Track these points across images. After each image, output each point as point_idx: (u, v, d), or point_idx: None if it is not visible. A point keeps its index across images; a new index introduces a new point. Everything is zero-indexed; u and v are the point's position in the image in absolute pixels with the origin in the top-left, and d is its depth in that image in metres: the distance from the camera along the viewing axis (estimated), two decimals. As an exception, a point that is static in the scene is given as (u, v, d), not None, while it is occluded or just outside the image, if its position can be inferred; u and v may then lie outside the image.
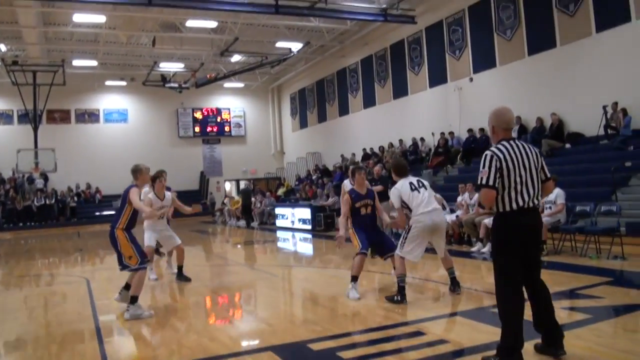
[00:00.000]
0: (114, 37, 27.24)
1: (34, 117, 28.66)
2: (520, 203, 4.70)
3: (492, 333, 5.78)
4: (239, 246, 18.72)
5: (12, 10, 21.91)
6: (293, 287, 10.05)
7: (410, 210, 7.78)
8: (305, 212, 21.36)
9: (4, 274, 13.75)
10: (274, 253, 16.60)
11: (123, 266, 7.81)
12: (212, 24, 25.32)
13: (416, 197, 7.74)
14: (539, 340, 5.03)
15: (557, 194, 11.16)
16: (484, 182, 4.69)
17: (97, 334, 6.86)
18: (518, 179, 4.69)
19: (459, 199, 13.84)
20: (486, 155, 4.76)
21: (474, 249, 12.32)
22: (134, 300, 7.69)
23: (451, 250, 12.58)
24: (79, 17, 23.26)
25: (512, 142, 4.85)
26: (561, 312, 6.59)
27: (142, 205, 8.03)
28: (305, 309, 8.01)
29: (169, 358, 5.76)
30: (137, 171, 8.08)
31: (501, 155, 4.70)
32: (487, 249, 11.86)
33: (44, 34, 25.92)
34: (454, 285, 8.03)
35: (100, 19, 23.91)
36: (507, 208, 4.72)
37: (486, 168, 4.69)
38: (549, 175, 5.02)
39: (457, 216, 13.50)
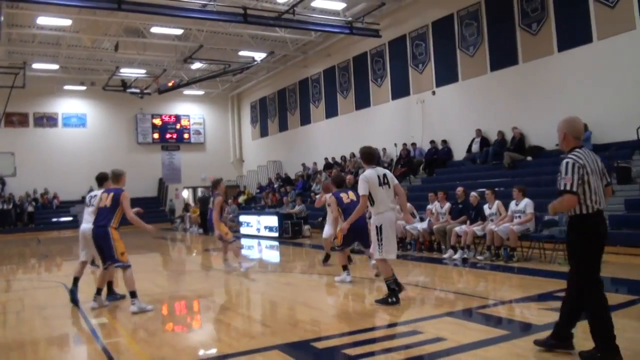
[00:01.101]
0: (76, 40, 26.98)
1: (-7, 120, 28.23)
2: (600, 206, 5.00)
3: (482, 331, 6.19)
4: (213, 253, 18.74)
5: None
6: (275, 291, 10.23)
7: (372, 204, 7.89)
8: (272, 220, 21.52)
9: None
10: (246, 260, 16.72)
11: (114, 261, 8.15)
12: (177, 31, 25.40)
13: (382, 192, 7.87)
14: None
15: (526, 204, 11.64)
16: (567, 188, 4.90)
17: (95, 336, 6.98)
18: (595, 184, 4.97)
19: (429, 207, 14.22)
20: (567, 162, 4.96)
21: (445, 255, 12.70)
22: (133, 294, 8.08)
23: (422, 257, 13.12)
24: (44, 20, 23.03)
25: (584, 149, 5.11)
26: (536, 314, 7.03)
27: (138, 219, 8.50)
28: (296, 310, 8.19)
29: (176, 356, 5.92)
30: (120, 175, 8.56)
31: (582, 162, 4.95)
32: (458, 255, 12.30)
33: (6, 35, 25.54)
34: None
35: (66, 22, 23.71)
36: (590, 211, 4.97)
37: (569, 174, 4.91)
38: (609, 180, 5.27)
39: (429, 222, 13.86)
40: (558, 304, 5.37)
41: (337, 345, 5.96)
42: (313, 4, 22.10)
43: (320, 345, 6.00)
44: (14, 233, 30.35)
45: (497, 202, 12.35)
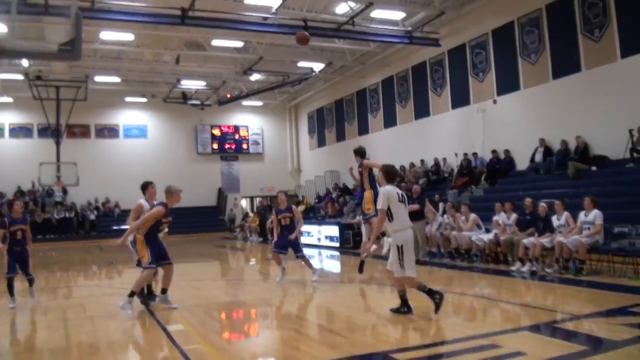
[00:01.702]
0: (138, 54, 27.69)
1: (57, 132, 28.98)
2: None
3: (561, 346, 6.13)
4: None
5: (39, 26, 22.12)
6: (342, 300, 10.25)
7: (390, 220, 7.94)
8: (333, 230, 21.58)
9: (49, 285, 14.01)
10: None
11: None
12: (237, 43, 25.79)
13: (402, 209, 7.97)
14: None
15: (595, 215, 11.40)
16: None
17: (172, 342, 7.14)
18: None
19: (496, 217, 14.03)
20: None
21: (513, 268, 12.54)
22: (132, 294, 8.91)
23: (488, 269, 12.98)
24: (107, 35, 23.64)
25: None
26: (611, 330, 6.89)
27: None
28: (367, 320, 8.21)
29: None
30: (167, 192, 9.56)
31: None
32: (526, 268, 12.13)
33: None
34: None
35: (129, 37, 24.39)
36: None
37: None
38: None
39: (495, 234, 13.71)
40: (632, 320, 5.27)
41: (418, 358, 5.97)
42: (372, 14, 22.10)
43: (400, 357, 5.98)
44: (75, 240, 31.07)
45: (565, 213, 12.12)
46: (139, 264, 9.47)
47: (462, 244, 14.41)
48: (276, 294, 11.24)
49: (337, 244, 21.19)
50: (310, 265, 12.42)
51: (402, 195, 8.00)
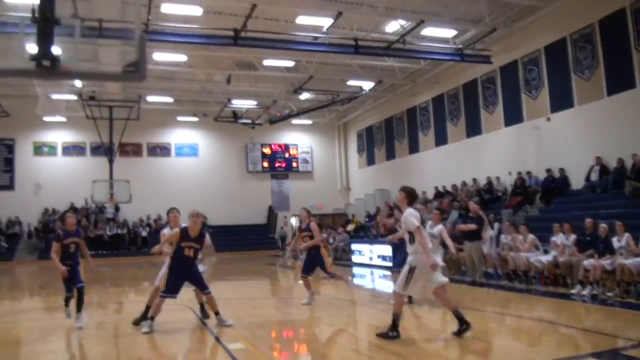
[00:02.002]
0: (190, 74, 28.14)
1: (109, 150, 29.57)
2: None
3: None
4: (327, 281, 18.83)
5: (93, 48, 22.60)
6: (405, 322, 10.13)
7: (412, 242, 7.93)
8: (386, 249, 21.31)
9: (103, 301, 14.21)
10: (364, 289, 16.74)
11: None
12: (288, 63, 26.00)
13: (424, 233, 7.98)
14: None
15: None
16: None
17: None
18: None
19: (554, 238, 13.68)
20: None
21: (573, 291, 12.18)
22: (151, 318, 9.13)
23: (547, 292, 12.67)
24: (160, 56, 24.07)
25: None
26: None
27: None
28: (425, 341, 8.09)
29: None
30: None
31: None
32: (587, 291, 11.78)
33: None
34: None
35: (181, 57, 24.84)
36: None
37: None
38: None
39: (554, 256, 13.39)
40: None
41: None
42: (423, 32, 22.04)
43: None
44: (127, 256, 31.53)
45: (626, 234, 11.79)
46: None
47: (519, 265, 14.09)
48: (330, 313, 11.15)
49: (389, 264, 20.84)
50: (340, 277, 12.42)
51: (423, 219, 8.09)
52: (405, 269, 8.01)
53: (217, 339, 8.36)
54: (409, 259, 8.04)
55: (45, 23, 6.57)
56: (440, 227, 11.66)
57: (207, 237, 9.81)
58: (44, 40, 6.56)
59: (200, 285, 9.43)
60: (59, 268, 9.56)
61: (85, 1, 18.50)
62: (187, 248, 9.24)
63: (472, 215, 14.88)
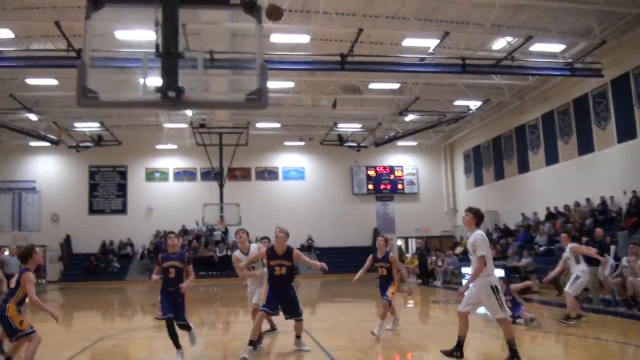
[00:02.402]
0: (297, 100, 28.75)
1: (219, 175, 30.56)
2: None
3: None
4: (435, 305, 18.69)
5: (204, 79, 23.39)
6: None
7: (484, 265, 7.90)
8: (498, 273, 20.73)
9: (215, 320, 14.62)
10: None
11: None
12: (394, 85, 26.11)
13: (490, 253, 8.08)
14: None
15: None
16: None
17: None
18: None
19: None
20: None
21: None
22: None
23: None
24: (269, 83, 24.60)
25: None
26: None
27: None
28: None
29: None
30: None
31: None
32: None
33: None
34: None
35: (289, 84, 25.47)
36: None
37: None
38: None
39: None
40: None
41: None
42: (532, 48, 21.61)
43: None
44: (236, 277, 32.18)
45: None
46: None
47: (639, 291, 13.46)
48: (446, 339, 11.03)
49: None
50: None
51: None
52: (489, 294, 7.88)
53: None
54: (484, 282, 7.94)
55: (169, 57, 6.92)
56: (569, 245, 11.55)
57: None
58: (169, 73, 6.91)
59: (293, 311, 9.25)
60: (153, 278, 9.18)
61: (196, 35, 19.43)
62: (278, 267, 9.14)
63: (596, 239, 14.31)
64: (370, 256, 11.58)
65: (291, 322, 9.43)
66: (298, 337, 9.34)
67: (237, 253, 10.37)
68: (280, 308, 9.18)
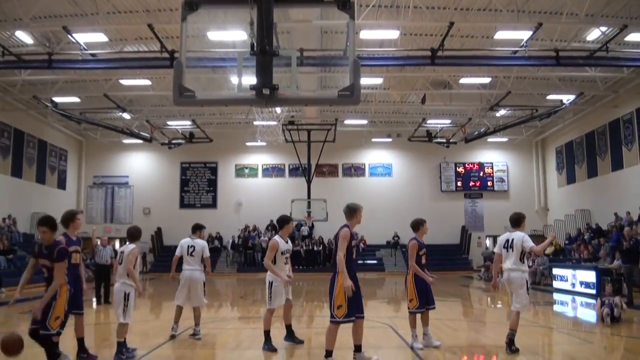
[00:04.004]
0: (385, 96, 28.70)
1: (307, 171, 30.89)
2: None
3: None
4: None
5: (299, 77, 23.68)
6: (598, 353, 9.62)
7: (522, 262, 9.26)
8: (590, 275, 19.95)
9: (297, 313, 14.82)
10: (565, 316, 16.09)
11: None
12: (485, 79, 25.70)
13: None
14: None
15: None
16: None
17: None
18: None
19: None
20: None
21: None
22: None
23: None
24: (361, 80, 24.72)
25: None
26: None
27: None
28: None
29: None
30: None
31: None
32: None
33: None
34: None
35: (378, 80, 25.47)
36: None
37: None
38: None
39: None
40: None
41: None
42: (627, 39, 20.73)
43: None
44: (322, 272, 32.47)
45: None
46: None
47: None
48: (535, 341, 10.85)
49: (593, 291, 19.40)
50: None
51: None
52: (522, 286, 9.10)
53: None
54: (520, 275, 9.18)
55: (264, 56, 7.07)
56: None
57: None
58: (264, 71, 7.06)
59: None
60: None
61: (287, 34, 19.72)
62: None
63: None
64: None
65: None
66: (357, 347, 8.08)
67: (277, 237, 9.85)
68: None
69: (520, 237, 9.23)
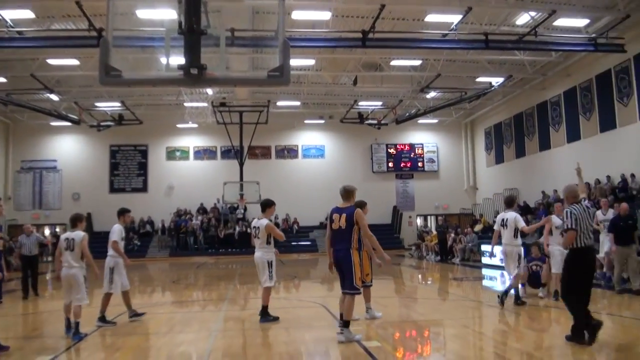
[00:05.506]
0: (317, 78, 28.67)
1: (240, 153, 30.66)
2: None
3: None
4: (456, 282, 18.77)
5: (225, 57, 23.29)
6: (535, 324, 9.91)
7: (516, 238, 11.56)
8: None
9: (232, 295, 14.78)
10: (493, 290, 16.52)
11: (350, 288, 8.23)
12: (415, 62, 25.97)
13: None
14: None
15: None
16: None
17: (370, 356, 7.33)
18: None
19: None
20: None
21: None
22: (347, 324, 8.23)
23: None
24: (290, 61, 24.55)
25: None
26: None
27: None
28: (563, 346, 7.88)
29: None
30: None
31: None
32: None
33: (253, 78, 27.71)
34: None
35: (310, 62, 25.41)
36: None
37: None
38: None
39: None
40: None
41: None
42: (555, 23, 21.31)
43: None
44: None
45: None
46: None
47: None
48: (465, 315, 11.15)
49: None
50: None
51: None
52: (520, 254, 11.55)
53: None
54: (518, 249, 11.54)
55: (192, 35, 6.95)
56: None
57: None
58: (192, 51, 6.94)
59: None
60: None
61: (217, 12, 19.38)
62: None
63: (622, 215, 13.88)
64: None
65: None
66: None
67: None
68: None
69: (513, 217, 11.29)
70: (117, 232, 10.42)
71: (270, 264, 10.27)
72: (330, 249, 8.61)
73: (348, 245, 8.34)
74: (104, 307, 10.18)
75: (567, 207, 7.85)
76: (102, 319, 10.05)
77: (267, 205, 10.72)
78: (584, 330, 7.44)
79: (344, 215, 8.47)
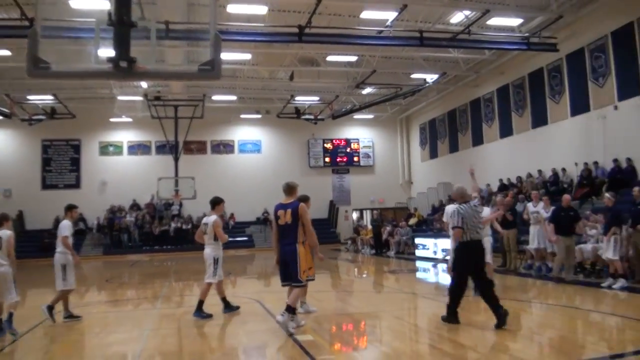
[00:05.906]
0: (254, 72, 28.54)
1: (175, 148, 30.17)
2: None
3: None
4: (389, 274, 18.98)
5: (159, 50, 22.94)
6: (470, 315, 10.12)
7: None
8: (449, 243, 21.01)
9: (168, 293, 14.62)
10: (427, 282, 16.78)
11: (296, 281, 8.53)
12: (351, 58, 26.12)
13: None
14: None
15: None
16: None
17: (305, 352, 7.30)
18: None
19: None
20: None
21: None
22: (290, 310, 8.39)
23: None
24: (224, 55, 24.32)
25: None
26: None
27: None
28: (493, 336, 8.06)
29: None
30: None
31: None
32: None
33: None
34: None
35: (246, 56, 25.26)
36: None
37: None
38: None
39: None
40: None
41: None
42: (489, 22, 21.78)
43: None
44: (192, 251, 32.05)
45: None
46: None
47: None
48: (400, 307, 11.29)
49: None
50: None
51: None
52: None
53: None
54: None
55: (122, 26, 6.83)
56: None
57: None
58: (121, 43, 6.83)
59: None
60: None
61: (151, 4, 19.03)
62: None
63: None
64: None
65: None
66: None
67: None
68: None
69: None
70: (67, 227, 10.19)
71: (216, 261, 10.44)
72: (278, 245, 8.83)
73: (294, 240, 8.55)
74: (66, 303, 10.18)
75: (456, 206, 8.53)
76: (70, 315, 10.23)
77: (215, 203, 10.80)
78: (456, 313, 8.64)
79: (289, 210, 8.63)
